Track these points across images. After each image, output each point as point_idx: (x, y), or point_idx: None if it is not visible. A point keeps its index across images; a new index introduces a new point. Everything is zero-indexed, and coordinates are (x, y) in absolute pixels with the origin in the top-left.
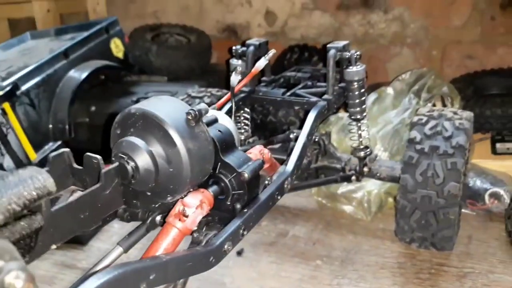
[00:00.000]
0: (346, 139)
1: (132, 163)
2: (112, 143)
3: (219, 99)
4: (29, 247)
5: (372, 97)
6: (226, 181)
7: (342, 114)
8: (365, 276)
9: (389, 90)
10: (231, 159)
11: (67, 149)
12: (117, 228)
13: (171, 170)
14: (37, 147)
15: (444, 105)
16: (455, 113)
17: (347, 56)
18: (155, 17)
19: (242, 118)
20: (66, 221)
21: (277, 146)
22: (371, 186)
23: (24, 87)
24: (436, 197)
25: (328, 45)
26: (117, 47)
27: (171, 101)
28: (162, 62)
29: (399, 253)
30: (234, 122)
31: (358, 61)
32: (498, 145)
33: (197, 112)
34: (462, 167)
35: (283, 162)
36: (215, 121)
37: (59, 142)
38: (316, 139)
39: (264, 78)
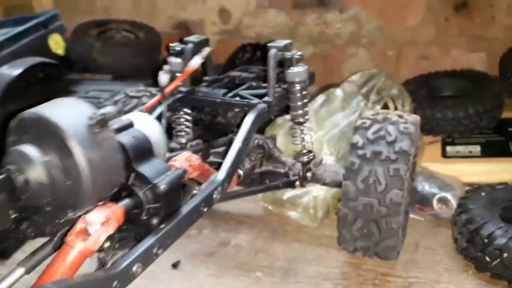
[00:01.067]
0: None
1: (21, 176)
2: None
3: None
4: None
5: (320, 99)
6: (140, 194)
7: (289, 116)
8: None
9: (338, 92)
10: (146, 169)
11: None
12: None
13: (68, 183)
14: None
15: (395, 107)
16: (400, 116)
17: (288, 56)
18: (105, 13)
19: (182, 120)
20: None
21: (221, 149)
22: (318, 191)
23: None
24: (378, 205)
25: (268, 44)
26: (56, 44)
27: (74, 105)
28: (106, 59)
29: (344, 262)
30: (171, 124)
31: (300, 62)
32: (448, 148)
33: (100, 117)
34: (405, 173)
35: None
36: (128, 126)
37: None
38: (261, 143)
39: (206, 78)
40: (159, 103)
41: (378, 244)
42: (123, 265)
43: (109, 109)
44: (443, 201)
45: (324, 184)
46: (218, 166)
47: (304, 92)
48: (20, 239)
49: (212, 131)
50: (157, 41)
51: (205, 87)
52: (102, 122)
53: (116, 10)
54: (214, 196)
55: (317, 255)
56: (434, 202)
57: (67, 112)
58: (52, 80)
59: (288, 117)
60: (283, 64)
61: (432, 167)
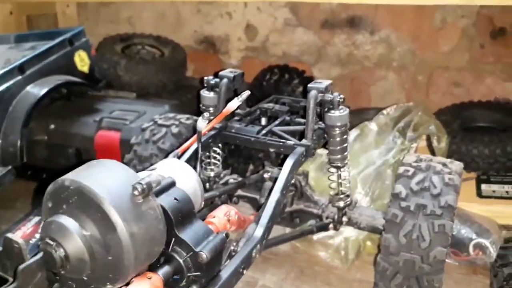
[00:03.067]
0: (325, 178)
1: (61, 251)
2: (43, 218)
3: (187, 129)
4: None
5: (354, 133)
6: (181, 261)
7: (321, 151)
8: None
9: (372, 126)
10: (188, 234)
11: None
12: None
13: (109, 258)
14: None
15: (430, 143)
16: (444, 164)
17: (329, 99)
18: (129, 24)
19: (212, 153)
20: None
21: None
22: (350, 232)
23: None
24: (421, 262)
25: (309, 85)
26: (82, 61)
27: (116, 170)
28: (131, 77)
29: None
30: (200, 167)
31: (341, 105)
32: (483, 187)
33: (145, 186)
34: (450, 230)
35: (256, 202)
36: (171, 185)
37: (9, 167)
38: (292, 181)
39: (238, 111)
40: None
41: None
42: None
43: (153, 176)
44: (480, 247)
45: (359, 228)
46: (247, 200)
47: (345, 136)
48: None
49: (236, 156)
50: (182, 58)
51: (237, 121)
52: (147, 192)
53: (140, 21)
54: (253, 255)
55: None
56: (471, 248)
57: (109, 181)
58: (76, 97)
59: (320, 151)
60: (322, 105)
61: (466, 207)
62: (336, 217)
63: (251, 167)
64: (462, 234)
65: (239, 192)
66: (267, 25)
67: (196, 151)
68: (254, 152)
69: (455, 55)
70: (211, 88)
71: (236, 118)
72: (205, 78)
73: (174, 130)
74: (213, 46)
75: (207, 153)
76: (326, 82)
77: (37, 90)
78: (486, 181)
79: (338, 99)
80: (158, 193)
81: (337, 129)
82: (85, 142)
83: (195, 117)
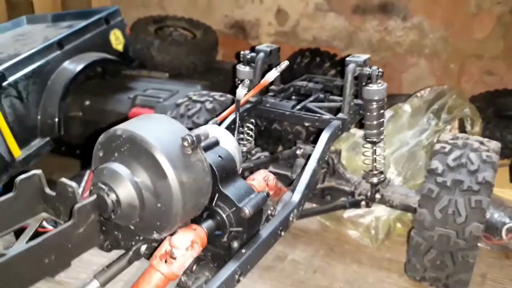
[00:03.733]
0: (357, 158)
1: (112, 195)
2: (94, 166)
3: (221, 105)
4: None
5: (387, 114)
6: (224, 216)
7: (355, 130)
8: None
9: (406, 108)
10: (231, 190)
11: (38, 171)
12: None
13: (159, 205)
14: (22, 143)
15: (463, 127)
16: (481, 143)
17: (367, 72)
18: (160, 7)
19: (245, 129)
20: (24, 270)
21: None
22: (380, 212)
23: (11, 78)
24: (456, 238)
25: (347, 58)
26: (117, 39)
27: (165, 123)
28: (164, 57)
29: None
30: (237, 136)
31: (380, 79)
32: None
33: (194, 138)
34: (487, 206)
35: (287, 179)
36: (215, 144)
37: (47, 139)
38: (325, 158)
39: (272, 87)
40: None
41: (450, 277)
42: None
43: (202, 129)
44: None
45: (392, 206)
46: (278, 176)
47: (382, 111)
48: None
49: (266, 136)
50: (214, 40)
51: (272, 97)
52: (195, 144)
53: (171, 5)
54: (291, 218)
55: (378, 279)
56: (504, 231)
57: (161, 132)
58: (110, 76)
59: (353, 131)
60: (360, 80)
61: (500, 193)
62: (369, 193)
63: (280, 148)
64: (495, 218)
65: (271, 168)
66: (298, 10)
67: (234, 120)
68: (284, 134)
69: (489, 43)
70: (247, 62)
71: (270, 94)
72: (242, 52)
73: (208, 105)
74: (243, 31)
75: (241, 128)
76: (364, 56)
77: (74, 65)
78: None
79: (377, 73)
80: (204, 150)
81: (374, 103)
82: (119, 118)
83: (228, 95)
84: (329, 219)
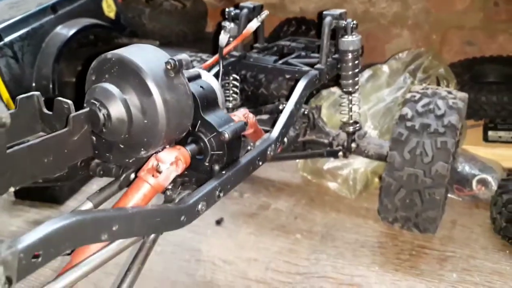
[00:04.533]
0: (337, 114)
1: (104, 110)
2: (87, 88)
3: None
4: None
5: (366, 74)
6: (205, 140)
7: (335, 89)
8: (344, 253)
9: (385, 68)
10: (212, 118)
11: (37, 93)
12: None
13: (145, 121)
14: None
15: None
16: (449, 92)
17: (343, 25)
18: None
19: (231, 85)
20: (26, 163)
21: (265, 117)
22: (358, 164)
23: (7, 39)
24: (423, 176)
25: (324, 12)
26: (109, 7)
27: (151, 50)
28: (154, 25)
29: (381, 232)
30: (222, 86)
31: (354, 31)
32: (490, 133)
33: (177, 62)
34: (452, 147)
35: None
36: (197, 76)
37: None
38: (306, 112)
39: (256, 45)
40: (216, 63)
41: (419, 215)
42: (190, 202)
43: (184, 56)
44: (482, 182)
45: (367, 156)
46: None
47: (356, 62)
48: (73, 188)
49: (253, 101)
50: (203, 10)
51: (256, 53)
52: (178, 68)
53: None
54: (268, 152)
55: (355, 224)
56: (474, 183)
57: (147, 57)
58: (102, 42)
59: (333, 89)
60: (336, 33)
61: (473, 150)
62: (345, 143)
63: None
64: (466, 171)
65: None
66: None
67: (217, 72)
68: (270, 98)
69: (469, 14)
70: (232, 19)
71: (254, 50)
72: (226, 9)
73: (196, 65)
74: (232, 3)
75: (226, 84)
76: (340, 10)
77: (67, 29)
78: (493, 128)
79: (352, 25)
80: (187, 80)
81: (349, 53)
82: None
83: (216, 56)
84: (310, 173)
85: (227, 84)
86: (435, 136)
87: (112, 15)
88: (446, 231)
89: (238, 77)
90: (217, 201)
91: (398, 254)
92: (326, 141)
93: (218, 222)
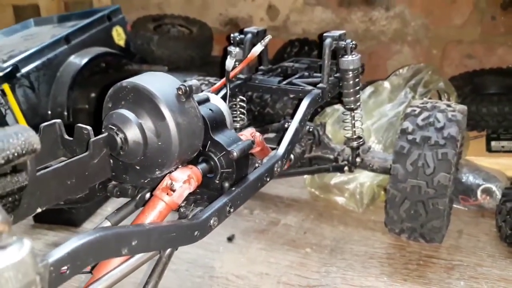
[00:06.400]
0: (341, 131)
1: (121, 135)
2: (104, 115)
3: None
4: (13, 205)
5: (368, 90)
6: (215, 159)
7: (338, 106)
8: (353, 265)
9: (386, 84)
10: (221, 138)
11: (58, 120)
12: (110, 212)
13: (159, 143)
14: (35, 130)
15: (440, 100)
16: (448, 105)
17: (343, 45)
18: (159, 9)
19: (238, 106)
20: (52, 186)
21: (272, 135)
22: (364, 178)
23: (24, 70)
24: (426, 187)
25: (324, 34)
26: (119, 35)
27: (163, 77)
28: (163, 52)
29: (389, 244)
30: (229, 108)
31: (354, 51)
32: (493, 143)
33: (187, 88)
34: (453, 158)
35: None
36: (206, 100)
37: None
38: (311, 129)
39: (261, 67)
40: (224, 86)
41: (424, 225)
42: (203, 217)
43: (194, 82)
44: (487, 192)
45: (372, 170)
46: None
47: (357, 80)
48: (89, 211)
49: (260, 121)
50: (209, 35)
51: (261, 75)
52: (188, 93)
53: (168, 7)
54: (275, 168)
55: (363, 237)
56: (479, 192)
57: (159, 83)
58: (113, 69)
59: (337, 106)
60: (337, 53)
61: (476, 161)
62: (350, 158)
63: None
64: (471, 181)
65: None
66: (288, 5)
67: (225, 95)
68: (276, 117)
69: (468, 28)
70: (237, 43)
71: (259, 73)
72: (232, 34)
73: (204, 88)
74: (237, 28)
75: (234, 105)
76: (339, 32)
77: (80, 58)
78: (496, 139)
79: (351, 45)
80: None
81: (350, 72)
82: None
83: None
84: (318, 188)
85: (234, 105)
86: (436, 148)
87: (122, 43)
88: (453, 241)
89: (244, 99)
90: (228, 216)
91: (406, 264)
92: (331, 156)
93: (230, 239)
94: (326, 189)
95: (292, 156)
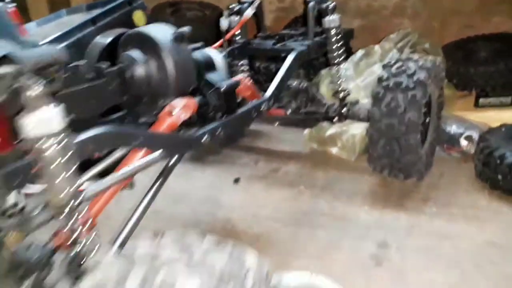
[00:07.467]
0: (330, 85)
1: (129, 71)
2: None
3: None
4: None
5: (359, 53)
6: (207, 94)
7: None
8: (340, 197)
9: (377, 48)
10: (212, 77)
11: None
12: None
13: (160, 76)
14: None
15: None
16: (421, 57)
17: (324, 7)
18: None
19: (240, 68)
20: (79, 100)
21: None
22: (356, 130)
23: (58, 47)
24: (398, 125)
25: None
26: (139, 19)
27: (162, 26)
28: None
29: (374, 183)
30: (231, 66)
31: (334, 12)
32: (481, 100)
33: (182, 34)
34: (421, 99)
35: None
36: (200, 47)
37: None
38: (305, 87)
39: (259, 34)
40: (221, 46)
41: (400, 160)
42: (197, 134)
43: (185, 29)
44: (469, 139)
45: (360, 119)
46: None
47: (339, 37)
48: None
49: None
50: (220, 16)
51: (258, 40)
52: (182, 37)
53: None
54: (262, 107)
55: (352, 178)
56: (461, 140)
57: (159, 31)
58: None
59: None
60: (321, 14)
61: (464, 115)
62: (339, 108)
63: None
64: (455, 130)
65: None
66: None
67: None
68: None
69: None
70: (236, 13)
71: (257, 39)
72: (230, 6)
73: None
74: None
75: (235, 66)
76: None
77: (105, 38)
78: (484, 96)
79: (331, 6)
80: (192, 50)
81: (332, 30)
82: None
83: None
84: (316, 142)
85: (235, 66)
86: (407, 90)
87: (141, 25)
88: (434, 180)
89: (246, 62)
90: (219, 137)
91: (387, 197)
92: (323, 110)
93: (236, 180)
94: (323, 142)
95: (289, 110)
